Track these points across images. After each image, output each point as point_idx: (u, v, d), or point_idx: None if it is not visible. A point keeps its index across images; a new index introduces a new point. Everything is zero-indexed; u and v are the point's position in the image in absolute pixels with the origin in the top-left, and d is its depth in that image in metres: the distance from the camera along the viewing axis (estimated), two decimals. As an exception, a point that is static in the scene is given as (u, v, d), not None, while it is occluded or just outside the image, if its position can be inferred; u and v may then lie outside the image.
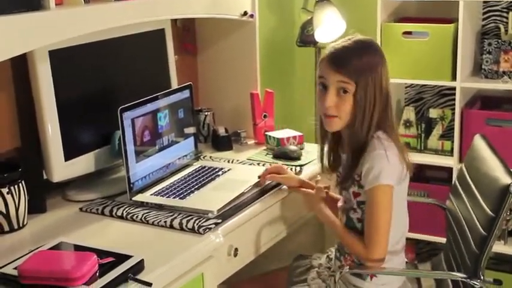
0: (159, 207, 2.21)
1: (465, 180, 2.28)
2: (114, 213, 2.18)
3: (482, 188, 2.12)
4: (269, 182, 2.41)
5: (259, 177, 2.40)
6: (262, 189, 2.36)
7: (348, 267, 2.10)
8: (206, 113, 2.97)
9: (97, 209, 2.21)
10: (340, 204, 2.20)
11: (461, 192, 2.29)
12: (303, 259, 2.37)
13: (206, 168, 2.52)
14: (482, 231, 2.02)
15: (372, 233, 2.02)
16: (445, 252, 2.39)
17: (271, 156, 2.72)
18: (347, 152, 2.12)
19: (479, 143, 2.30)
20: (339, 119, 2.05)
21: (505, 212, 1.97)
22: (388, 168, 1.99)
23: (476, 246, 2.04)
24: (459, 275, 2.11)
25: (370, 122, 2.02)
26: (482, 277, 2.03)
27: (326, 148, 2.20)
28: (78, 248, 1.88)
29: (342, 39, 2.09)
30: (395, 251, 2.12)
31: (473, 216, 2.11)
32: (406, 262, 2.29)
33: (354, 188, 2.08)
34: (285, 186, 2.41)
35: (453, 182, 3.11)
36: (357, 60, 2.02)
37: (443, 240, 3.17)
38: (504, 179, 1.99)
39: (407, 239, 3.25)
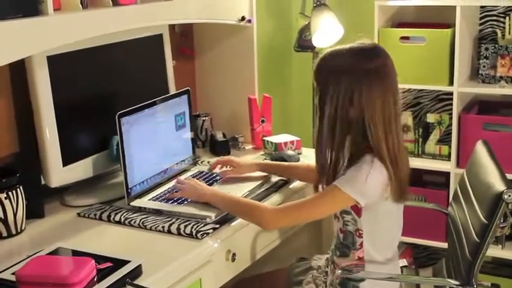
0: (157, 212, 2.21)
1: (465, 186, 2.28)
2: (112, 219, 2.18)
3: (478, 194, 2.12)
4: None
5: (209, 169, 2.52)
6: (260, 194, 2.36)
7: (339, 271, 2.10)
8: (204, 118, 2.98)
9: (95, 214, 2.21)
10: None
11: (461, 198, 2.29)
12: (303, 260, 2.37)
13: (204, 173, 2.52)
14: (476, 238, 2.01)
15: (290, 207, 2.04)
16: (446, 259, 2.39)
17: (269, 161, 2.72)
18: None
19: (480, 149, 2.29)
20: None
21: (498, 219, 1.96)
22: (359, 183, 1.95)
23: (470, 253, 2.04)
24: (453, 282, 2.10)
25: (332, 134, 1.98)
26: (475, 284, 2.03)
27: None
28: (76, 253, 1.88)
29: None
30: (382, 261, 2.10)
31: (469, 222, 2.11)
32: (405, 267, 2.28)
33: None
34: (283, 191, 2.42)
35: (452, 188, 3.13)
36: (323, 66, 2.02)
37: (441, 245, 3.19)
38: (498, 186, 1.98)
39: (405, 243, 3.28)
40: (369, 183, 1.94)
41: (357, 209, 2.03)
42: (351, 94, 1.95)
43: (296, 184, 2.47)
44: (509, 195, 1.93)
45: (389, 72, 2.00)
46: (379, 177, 1.95)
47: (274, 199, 2.36)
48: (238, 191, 2.30)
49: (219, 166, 2.52)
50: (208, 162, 2.72)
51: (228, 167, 2.49)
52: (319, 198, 2.03)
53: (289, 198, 2.39)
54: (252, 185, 2.38)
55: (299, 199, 2.08)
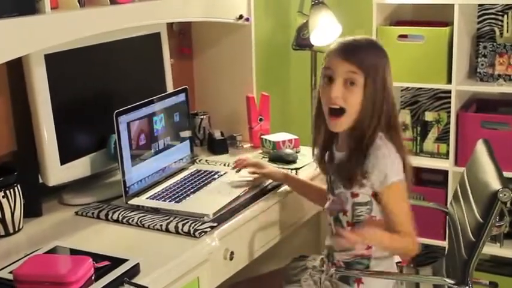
0: (155, 210, 2.20)
1: (464, 185, 2.28)
2: (109, 217, 2.18)
3: (476, 193, 2.12)
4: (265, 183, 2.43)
5: (236, 169, 2.47)
6: (257, 193, 2.35)
7: (333, 268, 2.10)
8: (202, 117, 2.97)
9: (93, 213, 2.21)
10: (327, 205, 2.19)
11: (460, 197, 2.30)
12: (299, 261, 2.37)
13: (202, 171, 2.52)
14: (472, 237, 2.02)
15: (407, 230, 2.04)
16: (446, 257, 2.39)
17: (267, 159, 2.72)
18: (346, 151, 2.08)
19: (480, 148, 2.29)
20: (346, 117, 2.01)
21: (494, 219, 1.96)
22: (394, 165, 2.01)
23: (466, 252, 2.04)
24: (448, 281, 2.10)
25: (378, 120, 2.01)
26: (470, 284, 2.02)
27: (318, 148, 2.20)
28: (73, 252, 1.88)
29: (348, 36, 2.09)
30: (384, 256, 2.11)
31: (466, 221, 2.11)
32: (403, 266, 2.28)
33: (353, 188, 2.06)
34: (281, 189, 2.42)
35: (450, 186, 3.13)
36: (367, 52, 2.03)
37: (440, 243, 3.19)
38: (494, 184, 1.98)
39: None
40: (395, 161, 2.01)
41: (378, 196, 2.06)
42: (385, 78, 2.04)
43: (285, 188, 2.44)
44: (504, 194, 1.92)
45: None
46: (394, 150, 2.03)
47: (261, 204, 2.33)
48: (228, 195, 2.29)
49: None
50: (206, 160, 2.72)
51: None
52: (397, 202, 2.04)
53: (279, 202, 2.40)
54: (241, 188, 2.35)
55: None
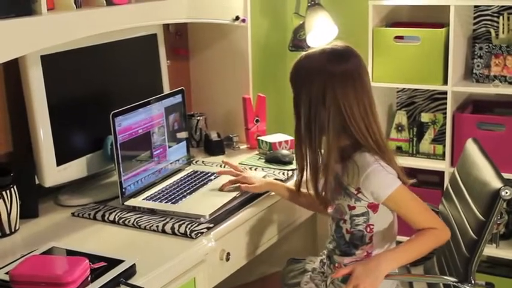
0: (151, 211, 2.21)
1: (457, 184, 2.29)
2: (106, 218, 2.18)
3: (473, 192, 2.13)
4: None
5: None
6: (254, 194, 2.35)
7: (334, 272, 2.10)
8: (198, 118, 2.98)
9: (89, 214, 2.21)
10: (330, 210, 2.19)
11: (453, 196, 2.30)
12: (296, 263, 2.36)
13: (198, 172, 2.52)
14: (473, 235, 2.02)
15: (429, 221, 2.04)
16: (438, 256, 2.40)
17: (264, 160, 2.72)
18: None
19: (471, 147, 2.30)
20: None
21: (496, 216, 1.97)
22: (388, 174, 2.01)
23: (467, 250, 2.04)
24: (450, 279, 2.11)
25: (309, 135, 2.06)
26: (473, 281, 2.04)
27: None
28: (70, 252, 1.89)
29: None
30: None
31: (465, 220, 2.12)
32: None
33: (349, 201, 2.06)
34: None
35: (445, 186, 3.13)
36: (297, 69, 2.14)
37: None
38: (494, 183, 1.99)
39: (397, 242, 3.28)
40: (381, 174, 2.00)
41: (374, 206, 2.06)
42: (324, 94, 2.01)
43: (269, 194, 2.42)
44: (506, 192, 1.94)
45: (360, 72, 2.05)
46: (377, 163, 2.01)
47: (258, 205, 2.33)
48: (225, 196, 2.29)
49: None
50: (202, 161, 2.72)
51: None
52: (408, 203, 2.05)
53: (276, 203, 2.41)
54: (237, 189, 2.35)
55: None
